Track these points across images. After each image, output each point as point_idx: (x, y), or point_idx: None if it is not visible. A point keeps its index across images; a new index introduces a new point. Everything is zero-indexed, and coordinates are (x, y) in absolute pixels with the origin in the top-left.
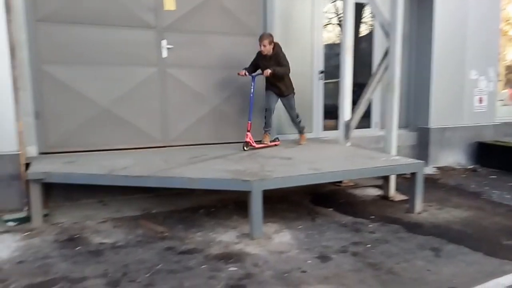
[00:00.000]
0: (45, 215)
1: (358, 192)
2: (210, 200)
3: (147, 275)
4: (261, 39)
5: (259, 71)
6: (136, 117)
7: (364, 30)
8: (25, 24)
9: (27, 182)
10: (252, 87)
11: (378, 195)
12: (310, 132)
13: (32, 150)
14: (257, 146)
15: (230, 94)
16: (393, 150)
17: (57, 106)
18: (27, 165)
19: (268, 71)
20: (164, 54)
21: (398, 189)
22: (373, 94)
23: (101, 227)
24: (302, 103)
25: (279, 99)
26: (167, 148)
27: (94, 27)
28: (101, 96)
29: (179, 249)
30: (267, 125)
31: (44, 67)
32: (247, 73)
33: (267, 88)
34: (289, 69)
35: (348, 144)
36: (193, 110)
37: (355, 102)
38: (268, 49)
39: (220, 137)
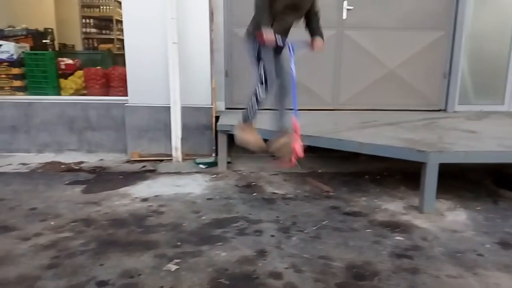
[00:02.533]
0: (228, 163)
1: None
2: (375, 167)
3: (314, 228)
4: None
5: (302, 43)
6: (309, 79)
7: None
8: None
9: (216, 132)
10: (291, 60)
11: None
12: (502, 105)
13: (220, 105)
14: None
15: (409, 58)
16: None
17: (241, 66)
18: (217, 118)
19: (321, 44)
20: (344, 15)
21: None
22: None
23: (273, 179)
24: (494, 69)
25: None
26: (336, 111)
27: None
28: None
29: (343, 209)
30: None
31: (234, 29)
32: (279, 40)
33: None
34: None
35: None
36: (366, 74)
37: None
38: None
39: (393, 103)
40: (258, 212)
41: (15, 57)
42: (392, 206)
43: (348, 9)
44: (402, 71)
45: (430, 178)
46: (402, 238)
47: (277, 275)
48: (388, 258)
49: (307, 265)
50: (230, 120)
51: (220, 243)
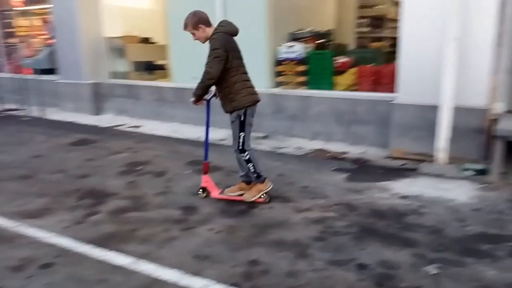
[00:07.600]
0: (503, 173)
1: None
2: None
3: None
4: (185, 26)
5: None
6: None
7: None
8: None
9: (491, 137)
10: (206, 112)
11: None
12: None
13: (499, 107)
14: (214, 195)
15: None
16: None
17: None
18: (493, 121)
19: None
20: None
21: None
22: None
23: None
24: None
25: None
26: None
27: None
28: None
29: None
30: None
31: None
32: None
33: None
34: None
35: None
36: None
37: None
38: (199, 36)
39: None
40: None
41: (302, 56)
42: None
43: None
44: None
45: None
46: None
47: None
48: None
49: None
50: None
51: (488, 259)
